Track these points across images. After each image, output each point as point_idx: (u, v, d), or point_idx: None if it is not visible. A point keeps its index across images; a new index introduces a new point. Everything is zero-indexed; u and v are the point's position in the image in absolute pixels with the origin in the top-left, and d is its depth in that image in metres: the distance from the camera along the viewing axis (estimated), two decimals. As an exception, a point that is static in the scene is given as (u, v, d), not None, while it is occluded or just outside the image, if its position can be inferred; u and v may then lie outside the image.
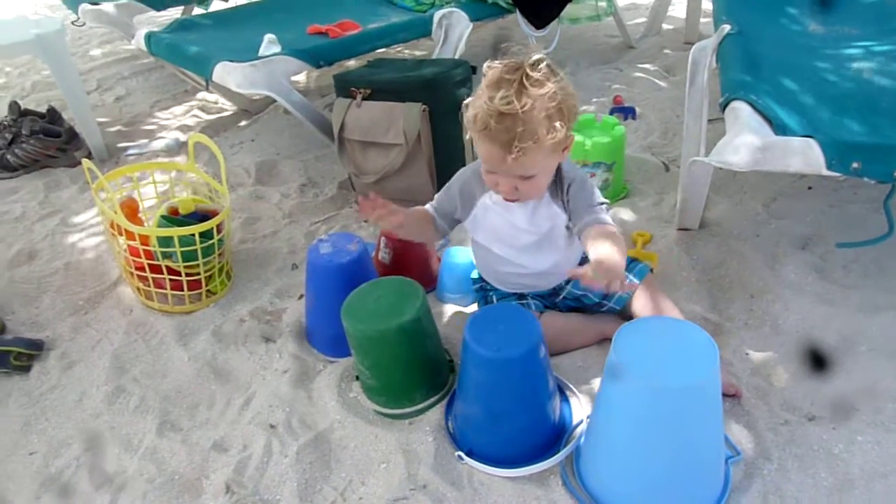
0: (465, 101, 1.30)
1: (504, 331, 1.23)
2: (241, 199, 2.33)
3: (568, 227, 1.41)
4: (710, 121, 1.83)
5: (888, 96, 1.64)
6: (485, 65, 1.28)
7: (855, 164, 1.31)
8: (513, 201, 1.38)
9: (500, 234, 1.46)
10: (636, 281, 1.50)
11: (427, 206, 1.50)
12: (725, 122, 1.52)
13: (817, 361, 1.45)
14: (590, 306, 1.56)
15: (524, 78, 1.21)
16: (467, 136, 1.32)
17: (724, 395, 1.35)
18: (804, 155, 1.34)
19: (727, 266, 1.77)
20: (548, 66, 1.24)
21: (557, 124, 1.23)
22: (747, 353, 1.51)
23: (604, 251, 1.20)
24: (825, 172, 1.33)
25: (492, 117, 1.21)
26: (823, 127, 1.45)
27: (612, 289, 1.16)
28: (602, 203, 1.37)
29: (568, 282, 1.55)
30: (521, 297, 1.55)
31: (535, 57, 1.23)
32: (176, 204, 1.85)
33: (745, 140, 1.38)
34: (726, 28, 1.92)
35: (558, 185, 1.39)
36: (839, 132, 1.44)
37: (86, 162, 1.72)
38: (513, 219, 1.42)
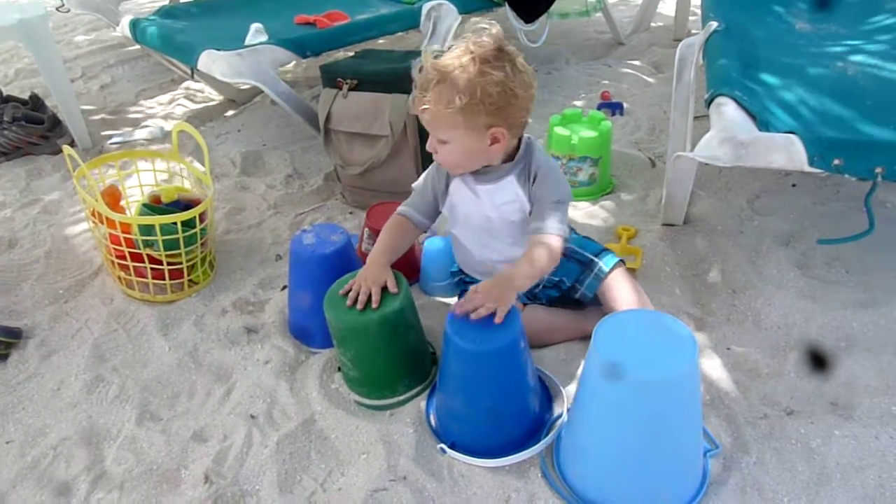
0: None
1: (485, 323, 1.22)
2: (226, 190, 2.31)
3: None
4: (696, 117, 1.84)
5: (871, 94, 1.65)
6: None
7: (836, 161, 1.32)
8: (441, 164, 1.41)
9: (469, 218, 1.47)
10: (589, 295, 1.51)
11: (399, 211, 1.51)
12: (710, 117, 1.52)
13: (817, 361, 1.46)
14: (566, 291, 1.56)
15: (472, 45, 1.27)
16: None
17: None
18: (787, 151, 1.34)
19: (710, 261, 1.78)
20: (512, 59, 1.28)
21: (459, 98, 1.25)
22: (729, 348, 1.52)
23: (503, 272, 1.32)
24: (807, 169, 1.33)
25: (425, 69, 1.29)
26: (806, 123, 1.46)
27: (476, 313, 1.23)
28: (559, 201, 1.38)
29: None
30: None
31: (510, 46, 1.29)
32: (158, 192, 1.83)
33: (728, 135, 1.39)
34: (713, 25, 1.93)
35: (526, 170, 1.40)
36: (822, 129, 1.44)
37: (66, 149, 1.69)
38: (479, 202, 1.43)
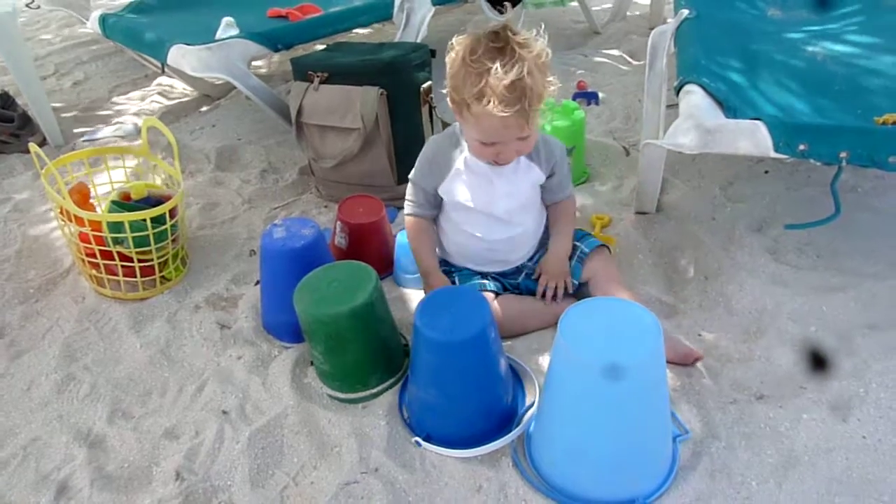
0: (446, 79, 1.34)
1: (454, 314, 1.22)
2: (200, 185, 2.29)
3: (542, 187, 1.53)
4: (669, 106, 1.84)
5: (839, 79, 1.66)
6: (453, 41, 1.31)
7: (802, 146, 1.32)
8: (502, 164, 1.42)
9: (477, 202, 1.48)
10: (575, 283, 1.56)
11: (411, 213, 1.54)
12: (679, 104, 1.53)
13: (817, 362, 1.46)
14: None
15: (514, 44, 1.23)
16: (463, 108, 1.32)
17: (685, 364, 1.42)
18: (752, 137, 1.35)
19: (683, 248, 1.79)
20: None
21: (551, 78, 1.30)
22: (700, 335, 1.52)
23: (554, 250, 1.54)
24: (773, 154, 1.34)
25: (505, 89, 1.22)
26: (773, 109, 1.47)
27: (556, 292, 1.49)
28: (566, 171, 1.55)
29: (531, 259, 1.60)
30: (482, 276, 1.57)
31: (503, 23, 1.29)
32: (128, 189, 1.81)
33: (695, 122, 1.39)
34: (685, 12, 1.93)
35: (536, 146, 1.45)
36: (787, 114, 1.45)
37: (33, 147, 1.67)
38: (492, 186, 1.46)
